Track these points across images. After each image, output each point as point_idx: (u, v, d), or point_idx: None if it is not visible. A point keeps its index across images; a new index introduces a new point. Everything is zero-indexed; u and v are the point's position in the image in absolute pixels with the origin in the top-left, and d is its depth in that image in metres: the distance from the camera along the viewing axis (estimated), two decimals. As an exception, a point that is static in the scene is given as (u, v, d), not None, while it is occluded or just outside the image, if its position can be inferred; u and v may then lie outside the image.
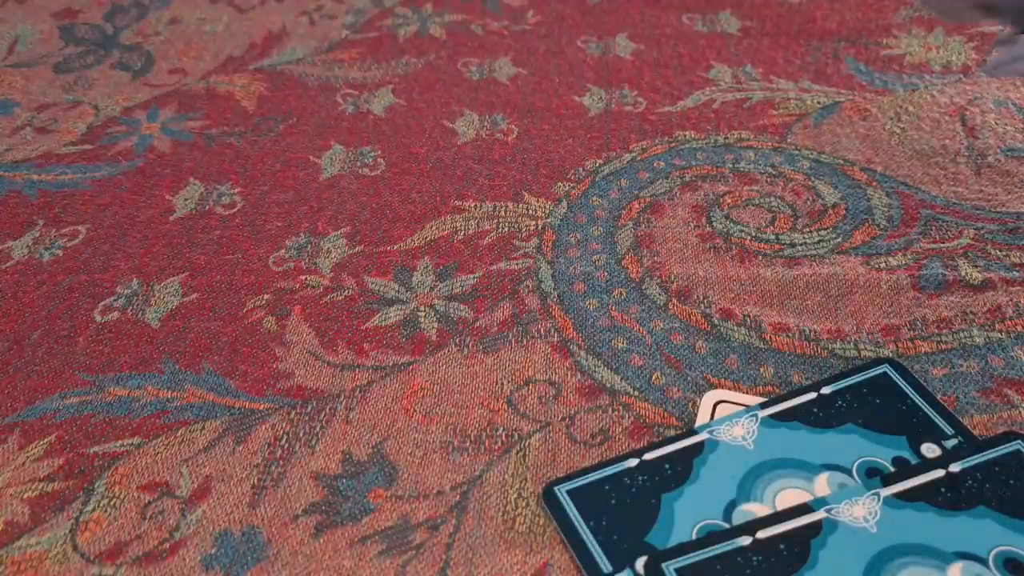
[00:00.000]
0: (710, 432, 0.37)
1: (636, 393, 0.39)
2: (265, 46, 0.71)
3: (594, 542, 0.33)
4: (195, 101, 0.64)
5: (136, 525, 0.35)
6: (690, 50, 0.67)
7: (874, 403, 0.38)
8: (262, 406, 0.40)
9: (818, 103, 0.59)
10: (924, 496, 0.34)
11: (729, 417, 0.38)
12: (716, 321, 0.43)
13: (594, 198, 0.52)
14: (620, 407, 0.39)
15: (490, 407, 0.39)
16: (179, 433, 0.39)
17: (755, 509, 0.34)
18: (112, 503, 0.36)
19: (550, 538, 0.34)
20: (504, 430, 0.38)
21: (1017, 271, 0.44)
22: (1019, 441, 0.35)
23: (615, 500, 0.35)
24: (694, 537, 0.33)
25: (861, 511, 0.33)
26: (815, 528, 0.33)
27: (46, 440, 0.39)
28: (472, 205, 0.52)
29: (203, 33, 0.74)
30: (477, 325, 0.44)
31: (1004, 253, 0.46)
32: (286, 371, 0.42)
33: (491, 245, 0.49)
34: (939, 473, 0.34)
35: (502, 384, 0.40)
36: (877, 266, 0.46)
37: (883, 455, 0.35)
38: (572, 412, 0.39)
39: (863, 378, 0.39)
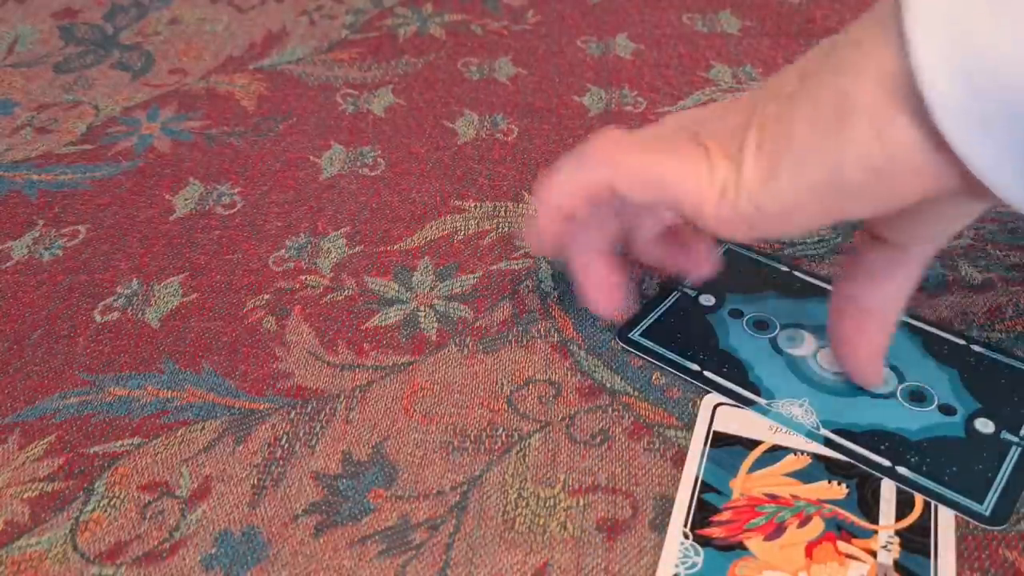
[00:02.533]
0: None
1: (636, 393, 0.39)
2: (265, 46, 0.71)
3: (680, 357, 0.41)
4: (195, 101, 0.64)
5: (136, 525, 0.35)
6: (690, 50, 0.67)
7: (999, 388, 0.38)
8: (262, 406, 0.40)
9: (818, 103, 0.59)
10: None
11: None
12: (716, 321, 0.43)
13: (594, 198, 0.52)
14: (620, 407, 0.39)
15: (490, 407, 0.39)
16: (179, 433, 0.39)
17: (792, 351, 0.40)
18: (112, 503, 0.36)
19: (550, 538, 0.34)
20: (504, 430, 0.38)
21: (1017, 271, 0.44)
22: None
23: (678, 329, 0.42)
24: (746, 330, 0.42)
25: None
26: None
27: (46, 440, 0.39)
28: (472, 205, 0.52)
29: (203, 33, 0.74)
30: (477, 325, 0.44)
31: (1004, 253, 0.46)
32: (286, 371, 0.42)
33: (491, 245, 0.49)
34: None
35: (502, 384, 0.40)
36: (877, 266, 0.46)
37: (934, 389, 0.38)
38: (572, 412, 0.39)
39: (1017, 366, 0.39)
